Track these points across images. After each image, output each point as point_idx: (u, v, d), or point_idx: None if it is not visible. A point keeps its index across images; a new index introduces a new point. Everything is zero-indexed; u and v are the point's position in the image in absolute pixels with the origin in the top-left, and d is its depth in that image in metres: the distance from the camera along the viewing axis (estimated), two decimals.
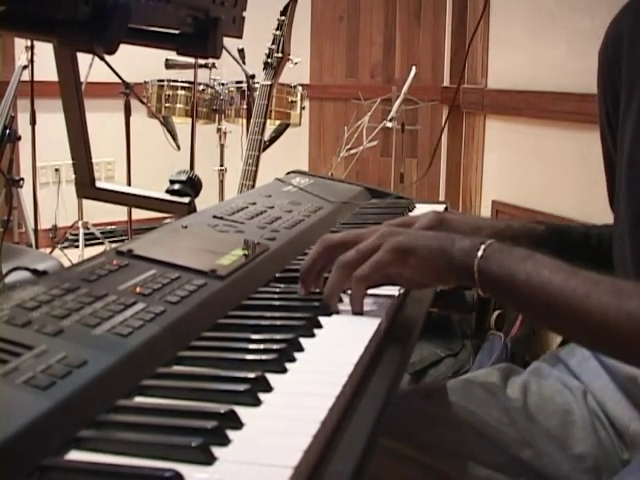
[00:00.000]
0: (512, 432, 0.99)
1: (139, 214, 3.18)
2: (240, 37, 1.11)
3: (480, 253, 0.75)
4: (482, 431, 0.99)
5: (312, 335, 0.74)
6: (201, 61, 2.95)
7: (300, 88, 3.04)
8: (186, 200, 1.36)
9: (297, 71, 2.64)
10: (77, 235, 3.47)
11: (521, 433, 0.99)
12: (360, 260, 0.80)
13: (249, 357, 0.68)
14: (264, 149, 2.42)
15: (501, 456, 0.97)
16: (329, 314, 0.81)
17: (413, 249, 0.78)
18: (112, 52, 0.78)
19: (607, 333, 0.69)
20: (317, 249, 0.84)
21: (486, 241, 0.77)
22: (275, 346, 0.69)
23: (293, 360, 0.67)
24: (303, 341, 0.71)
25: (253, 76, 2.86)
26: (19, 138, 3.09)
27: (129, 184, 3.18)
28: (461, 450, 0.98)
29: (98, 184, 1.36)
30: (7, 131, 2.87)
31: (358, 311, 0.81)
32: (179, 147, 3.10)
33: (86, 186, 1.35)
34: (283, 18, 2.33)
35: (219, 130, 3.08)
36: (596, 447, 0.96)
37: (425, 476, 0.96)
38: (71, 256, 3.29)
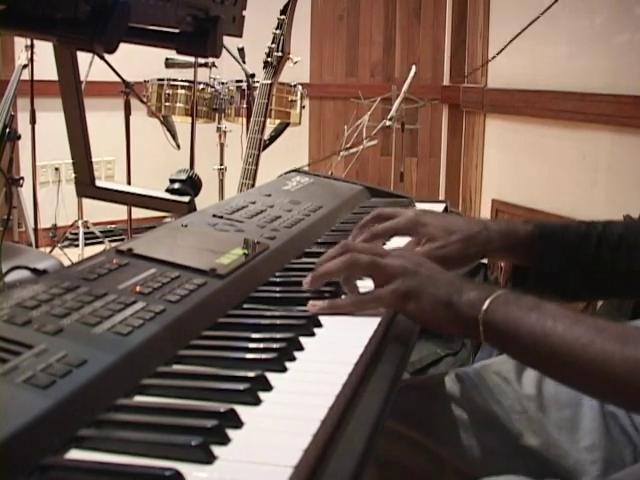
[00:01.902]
0: (523, 421, 0.99)
1: (139, 213, 3.18)
2: (240, 36, 1.11)
3: (485, 306, 0.73)
4: (493, 419, 0.99)
5: (312, 334, 0.74)
6: (201, 60, 2.94)
7: (300, 87, 3.04)
8: (186, 199, 1.36)
9: (297, 70, 2.64)
10: (77, 234, 3.47)
11: (532, 422, 0.99)
12: (369, 272, 0.81)
13: (249, 356, 0.68)
14: (264, 148, 2.41)
15: (509, 444, 0.97)
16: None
17: (416, 296, 0.76)
18: (112, 51, 0.78)
19: (611, 382, 0.66)
20: (341, 265, 0.82)
21: (494, 293, 0.74)
22: (275, 345, 0.69)
23: (293, 359, 0.67)
24: (303, 340, 0.71)
25: (253, 75, 2.86)
26: (19, 137, 3.09)
27: (129, 183, 3.18)
28: (469, 437, 0.98)
29: (98, 183, 1.36)
30: (7, 130, 2.87)
31: (324, 312, 0.80)
32: (179, 146, 3.09)
33: (86, 185, 1.35)
34: (283, 17, 2.33)
35: (219, 129, 3.08)
36: (605, 438, 0.95)
37: (429, 460, 0.97)
38: (71, 255, 3.29)
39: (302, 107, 3.08)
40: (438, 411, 1.02)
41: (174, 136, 3.07)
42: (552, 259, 0.98)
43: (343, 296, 0.84)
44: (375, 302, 0.80)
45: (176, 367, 0.66)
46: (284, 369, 0.65)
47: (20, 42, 3.22)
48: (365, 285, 0.83)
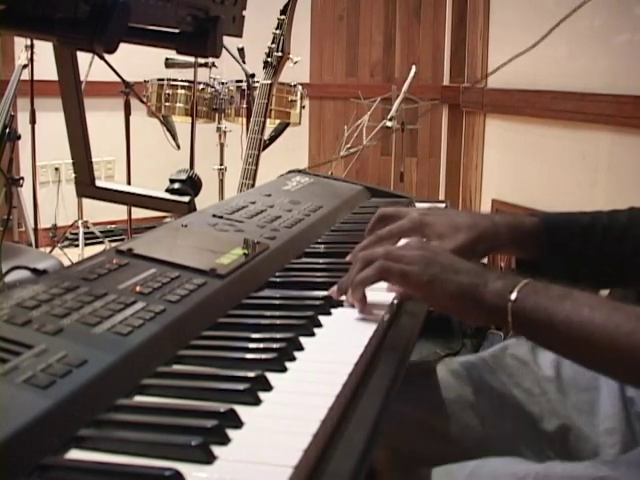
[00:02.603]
0: (543, 403, 0.99)
1: (139, 213, 3.18)
2: (240, 36, 1.11)
3: (514, 296, 0.73)
4: (512, 402, 0.99)
5: (312, 334, 0.74)
6: (201, 60, 2.94)
7: (300, 87, 3.04)
8: (186, 199, 1.36)
9: (297, 70, 2.64)
10: (77, 234, 3.47)
11: (552, 404, 0.98)
12: (400, 281, 0.80)
13: (249, 356, 0.68)
14: (264, 148, 2.41)
15: (528, 427, 0.97)
16: (329, 313, 0.81)
17: (440, 283, 0.76)
18: (112, 51, 0.78)
19: None
20: (358, 268, 0.82)
21: (521, 282, 0.74)
22: (275, 345, 0.69)
23: (293, 359, 0.67)
24: (303, 340, 0.71)
25: (253, 75, 2.85)
26: (19, 137, 3.09)
27: (129, 183, 3.18)
28: (486, 422, 0.98)
29: (98, 183, 1.36)
30: (7, 130, 2.87)
31: (358, 294, 0.81)
32: (179, 146, 3.09)
33: (86, 185, 1.35)
34: (283, 17, 2.33)
35: (219, 129, 3.08)
36: (624, 423, 0.95)
37: (445, 447, 0.97)
38: (71, 255, 3.29)
39: (302, 107, 3.08)
40: (452, 397, 1.01)
41: (174, 136, 3.07)
42: (558, 251, 0.97)
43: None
44: (400, 276, 0.79)
45: (176, 367, 0.66)
46: (284, 369, 0.65)
47: (20, 42, 3.22)
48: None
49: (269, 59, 2.33)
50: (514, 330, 0.74)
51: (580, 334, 0.70)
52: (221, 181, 3.13)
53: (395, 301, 0.84)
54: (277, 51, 2.32)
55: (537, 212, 1.01)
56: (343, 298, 0.84)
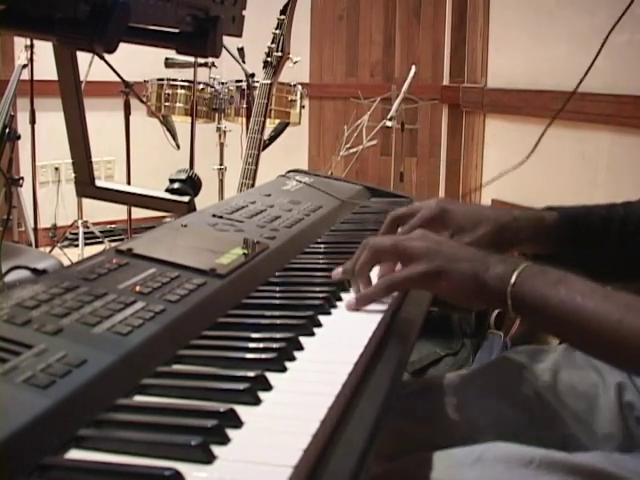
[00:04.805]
0: (540, 412, 0.99)
1: (139, 213, 3.19)
2: (240, 36, 1.11)
3: (513, 280, 0.75)
4: (510, 413, 0.99)
5: (312, 334, 0.74)
6: (201, 60, 2.94)
7: (300, 87, 3.04)
8: (186, 199, 1.36)
9: (297, 70, 2.64)
10: (77, 234, 3.47)
11: (550, 414, 0.99)
12: (393, 255, 0.83)
13: (249, 356, 0.68)
14: (264, 148, 2.41)
15: (528, 438, 0.97)
16: (329, 313, 0.81)
17: (446, 274, 0.78)
18: (112, 51, 0.78)
19: None
20: (366, 255, 0.84)
21: (519, 266, 0.76)
22: (275, 345, 0.69)
23: (293, 359, 0.67)
24: (303, 340, 0.71)
25: (253, 75, 2.86)
26: (19, 137, 3.09)
27: (129, 183, 3.18)
28: (486, 434, 0.98)
29: (98, 183, 1.36)
30: (7, 130, 2.87)
31: (361, 307, 0.82)
32: (179, 146, 3.09)
33: (86, 185, 1.35)
34: (283, 17, 2.32)
35: (219, 129, 3.08)
36: (622, 428, 0.95)
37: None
38: (71, 255, 3.28)
39: (302, 107, 3.08)
40: (451, 412, 1.01)
41: (174, 136, 3.07)
42: (578, 244, 0.97)
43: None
44: (408, 283, 0.81)
45: (176, 367, 0.66)
46: (284, 369, 0.65)
47: (20, 42, 3.22)
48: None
49: (269, 59, 2.33)
50: (513, 313, 0.76)
51: (573, 321, 0.72)
52: (221, 181, 3.13)
53: (395, 293, 0.84)
54: (277, 51, 2.32)
55: (554, 207, 1.01)
56: (346, 298, 0.84)
